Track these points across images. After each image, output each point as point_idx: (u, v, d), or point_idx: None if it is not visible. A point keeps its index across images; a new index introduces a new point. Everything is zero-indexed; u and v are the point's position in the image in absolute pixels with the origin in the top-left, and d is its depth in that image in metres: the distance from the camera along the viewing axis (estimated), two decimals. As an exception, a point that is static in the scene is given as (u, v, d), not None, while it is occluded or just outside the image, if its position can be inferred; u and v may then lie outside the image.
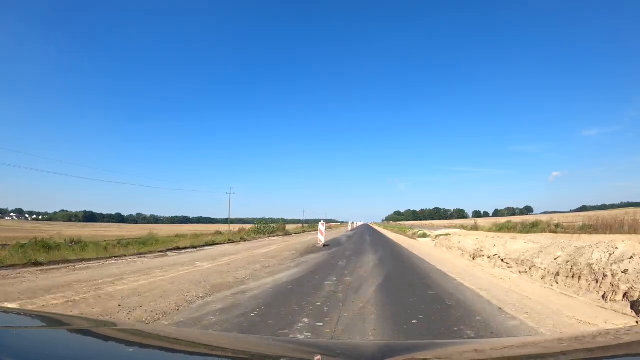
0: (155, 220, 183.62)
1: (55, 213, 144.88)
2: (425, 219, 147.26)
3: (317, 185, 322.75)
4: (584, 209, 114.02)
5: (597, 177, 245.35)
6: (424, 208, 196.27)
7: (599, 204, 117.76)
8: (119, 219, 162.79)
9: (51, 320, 1.21)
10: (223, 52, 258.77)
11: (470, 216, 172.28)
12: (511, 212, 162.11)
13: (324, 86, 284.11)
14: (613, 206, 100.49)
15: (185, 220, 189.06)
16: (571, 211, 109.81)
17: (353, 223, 66.63)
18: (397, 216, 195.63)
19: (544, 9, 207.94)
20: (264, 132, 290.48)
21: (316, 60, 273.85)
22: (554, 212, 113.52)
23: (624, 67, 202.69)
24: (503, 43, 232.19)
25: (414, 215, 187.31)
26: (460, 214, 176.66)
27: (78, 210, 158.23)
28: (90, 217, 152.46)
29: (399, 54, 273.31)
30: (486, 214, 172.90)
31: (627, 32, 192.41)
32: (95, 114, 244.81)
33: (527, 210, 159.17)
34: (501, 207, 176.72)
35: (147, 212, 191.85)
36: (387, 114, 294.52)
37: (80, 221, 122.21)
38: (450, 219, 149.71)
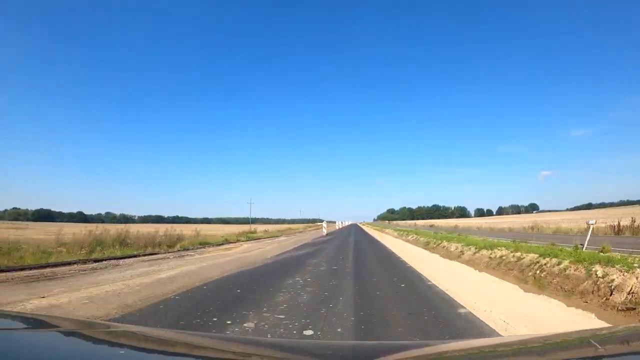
0: (125, 220, 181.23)
1: (5, 211, 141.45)
2: (423, 218, 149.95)
3: (305, 185, 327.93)
4: (590, 206, 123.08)
5: (594, 175, 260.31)
6: (422, 206, 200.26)
7: (599, 202, 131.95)
8: (80, 218, 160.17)
9: (40, 322, 1.27)
10: (207, 50, 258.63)
11: (472, 215, 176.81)
12: (516, 209, 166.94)
13: (314, 85, 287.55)
14: (612, 204, 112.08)
15: (159, 219, 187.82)
16: (568, 209, 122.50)
17: (339, 223, 68.01)
18: (391, 214, 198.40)
19: (533, 9, 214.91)
20: (249, 130, 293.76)
21: (306, 59, 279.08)
22: (555, 211, 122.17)
23: (614, 67, 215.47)
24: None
25: (411, 214, 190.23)
26: (461, 212, 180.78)
27: (32, 208, 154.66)
28: (45, 216, 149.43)
29: (391, 54, 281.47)
30: (489, 212, 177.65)
31: (616, 33, 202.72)
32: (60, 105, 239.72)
33: (532, 207, 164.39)
34: (505, 204, 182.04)
35: (117, 211, 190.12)
36: (380, 114, 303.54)
37: (29, 220, 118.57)
38: (450, 217, 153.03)
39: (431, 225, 52.57)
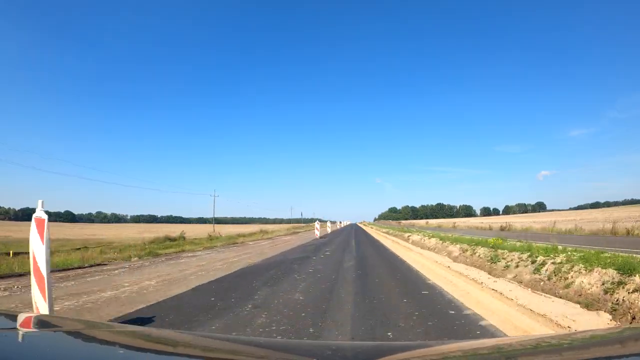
0: (117, 219, 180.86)
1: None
2: (427, 217, 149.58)
3: (304, 184, 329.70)
4: (597, 205, 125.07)
5: (597, 175, 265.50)
6: (425, 204, 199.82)
7: (603, 200, 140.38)
8: (68, 217, 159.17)
9: (42, 322, 1.30)
10: (207, 49, 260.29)
11: (478, 213, 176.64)
12: (523, 208, 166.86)
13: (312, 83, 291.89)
14: (617, 203, 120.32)
15: (152, 219, 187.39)
16: (571, 209, 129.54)
17: (318, 227, 26.12)
18: (393, 214, 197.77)
19: (530, 11, 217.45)
20: (244, 130, 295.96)
21: (304, 59, 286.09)
22: (561, 210, 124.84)
23: (611, 68, 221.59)
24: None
25: (413, 213, 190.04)
26: (467, 211, 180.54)
27: (17, 207, 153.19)
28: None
29: (392, 53, 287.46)
30: (496, 211, 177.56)
31: (615, 32, 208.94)
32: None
33: (540, 206, 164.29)
34: (510, 203, 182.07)
35: (108, 211, 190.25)
36: (379, 114, 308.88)
37: (10, 219, 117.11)
38: (456, 216, 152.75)
39: (503, 228, 25.75)
